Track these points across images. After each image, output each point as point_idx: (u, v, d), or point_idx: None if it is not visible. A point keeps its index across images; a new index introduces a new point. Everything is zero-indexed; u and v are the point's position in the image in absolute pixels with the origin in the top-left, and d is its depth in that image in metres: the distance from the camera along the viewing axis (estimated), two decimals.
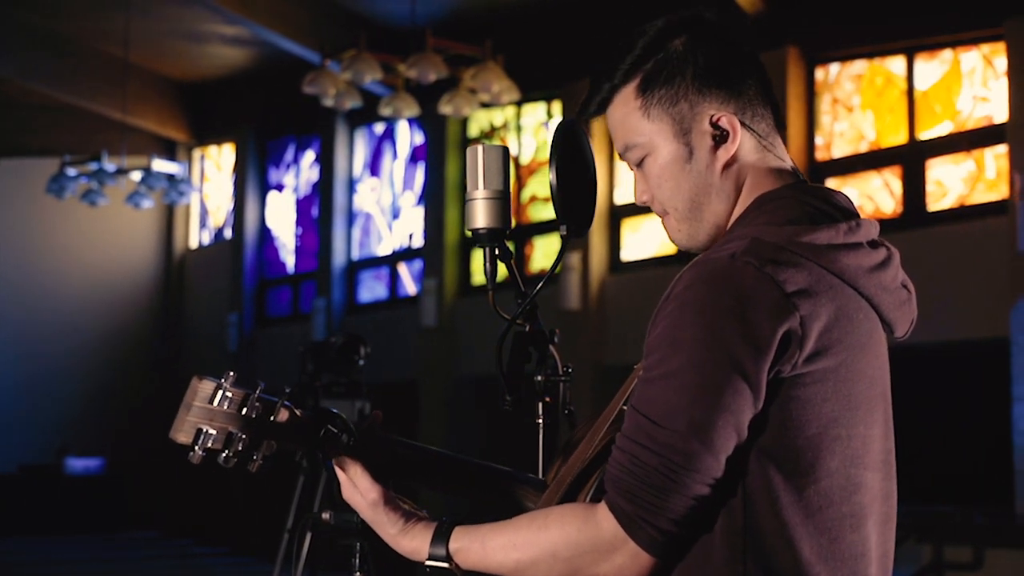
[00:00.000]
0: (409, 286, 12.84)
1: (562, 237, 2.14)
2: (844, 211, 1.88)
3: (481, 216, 2.09)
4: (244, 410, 1.85)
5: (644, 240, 10.27)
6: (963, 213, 8.16)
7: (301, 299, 14.45)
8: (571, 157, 2.14)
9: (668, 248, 10.09)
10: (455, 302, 11.82)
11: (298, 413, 1.92)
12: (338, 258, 13.44)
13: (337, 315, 13.28)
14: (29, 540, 13.98)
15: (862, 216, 1.91)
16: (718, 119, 1.90)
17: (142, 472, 15.55)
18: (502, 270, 2.18)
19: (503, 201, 2.10)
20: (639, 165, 1.96)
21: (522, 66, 9.75)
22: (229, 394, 1.83)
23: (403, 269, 12.95)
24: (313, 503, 5.61)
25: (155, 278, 16.39)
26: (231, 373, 1.84)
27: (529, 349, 2.13)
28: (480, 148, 2.12)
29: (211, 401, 1.83)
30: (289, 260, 14.82)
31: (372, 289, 13.36)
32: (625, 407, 1.90)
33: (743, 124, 1.91)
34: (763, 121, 1.94)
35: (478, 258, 11.77)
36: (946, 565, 7.51)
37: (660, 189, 1.94)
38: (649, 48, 1.93)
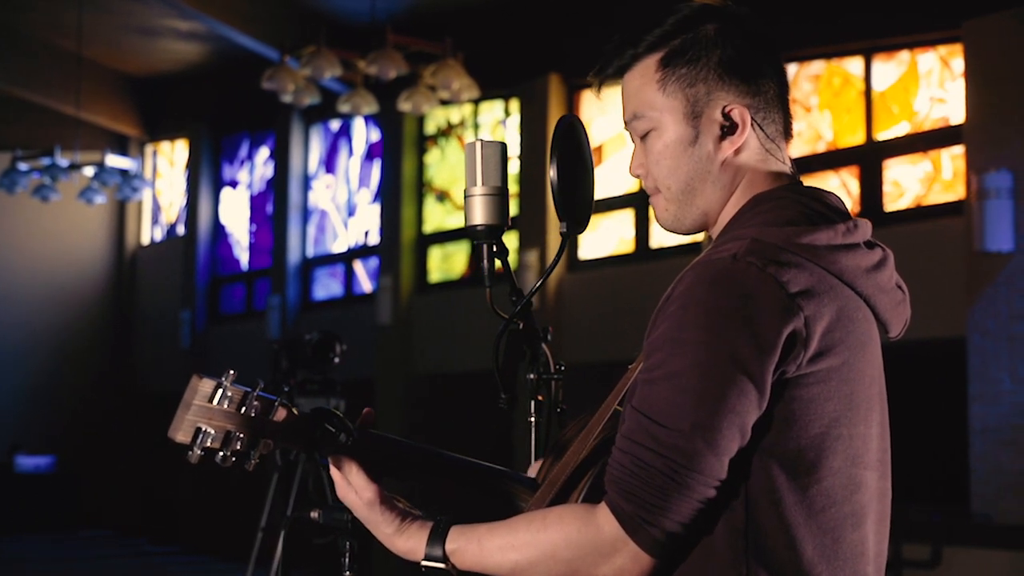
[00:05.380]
0: (365, 284, 12.81)
1: (562, 235, 2.13)
2: (838, 212, 1.89)
3: (479, 212, 2.07)
4: (243, 409, 1.82)
5: (602, 238, 10.28)
6: (920, 213, 8.21)
7: (255, 296, 14.38)
8: (571, 155, 2.13)
9: (626, 247, 10.11)
10: (411, 300, 11.79)
11: (295, 412, 1.89)
12: (293, 255, 13.38)
13: (292, 312, 13.22)
14: None
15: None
16: (730, 110, 1.89)
17: (94, 470, 15.43)
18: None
19: (501, 197, 2.08)
20: (643, 138, 1.94)
21: (481, 64, 9.74)
22: (229, 393, 1.80)
23: (359, 266, 12.91)
24: (287, 501, 5.56)
25: (107, 274, 16.26)
26: (231, 372, 1.82)
27: (523, 347, 2.12)
28: (479, 144, 2.09)
29: (211, 400, 1.80)
30: (243, 257, 14.74)
31: (327, 287, 13.31)
32: (620, 407, 1.89)
33: (753, 121, 1.91)
34: (773, 124, 1.93)
35: (434, 256, 11.76)
36: (904, 563, 7.57)
37: (658, 166, 1.92)
38: (680, 26, 1.91)
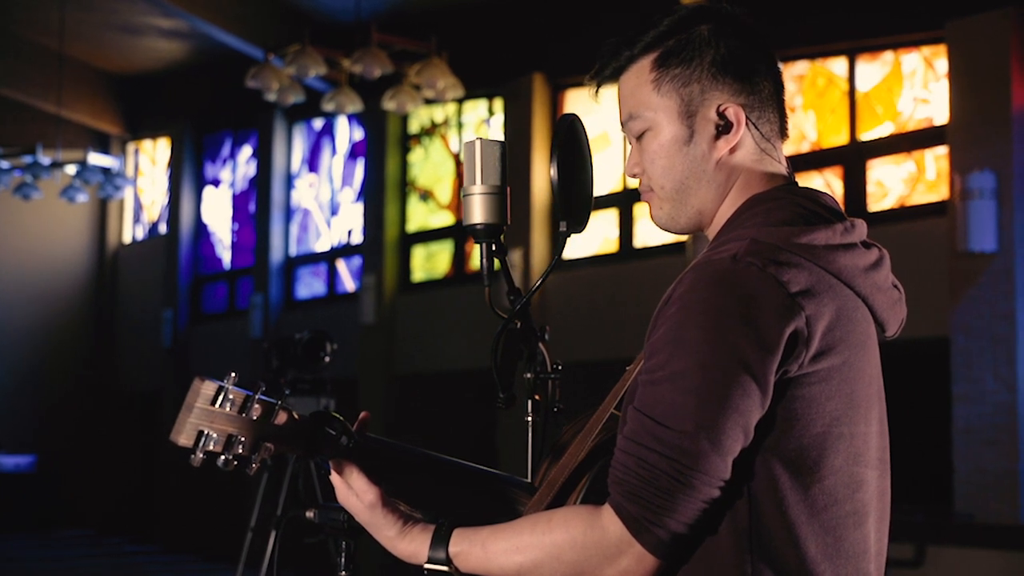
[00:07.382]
0: (348, 283, 12.79)
1: (561, 233, 2.13)
2: (834, 212, 1.90)
3: (478, 211, 2.06)
4: (244, 412, 1.81)
5: (586, 238, 10.28)
6: (903, 214, 8.24)
7: (237, 295, 14.34)
8: (572, 153, 2.12)
9: (610, 246, 10.11)
10: (394, 299, 11.77)
11: (296, 416, 1.89)
12: (275, 254, 13.35)
13: (274, 312, 13.19)
14: None
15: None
16: (725, 109, 1.90)
17: (74, 469, 15.38)
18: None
19: (500, 196, 2.08)
20: (638, 138, 1.95)
21: (466, 63, 9.74)
22: (231, 396, 1.79)
23: (342, 265, 12.89)
24: (276, 501, 5.54)
25: (88, 273, 16.20)
26: (233, 374, 1.80)
27: (520, 346, 2.11)
28: (478, 143, 2.08)
29: (213, 403, 1.78)
30: (225, 256, 14.71)
31: (310, 286, 13.29)
32: (617, 411, 1.89)
33: (748, 120, 1.91)
34: (768, 124, 1.94)
35: (418, 255, 11.75)
36: (888, 563, 7.58)
37: (652, 165, 1.93)
38: (674, 27, 1.93)
